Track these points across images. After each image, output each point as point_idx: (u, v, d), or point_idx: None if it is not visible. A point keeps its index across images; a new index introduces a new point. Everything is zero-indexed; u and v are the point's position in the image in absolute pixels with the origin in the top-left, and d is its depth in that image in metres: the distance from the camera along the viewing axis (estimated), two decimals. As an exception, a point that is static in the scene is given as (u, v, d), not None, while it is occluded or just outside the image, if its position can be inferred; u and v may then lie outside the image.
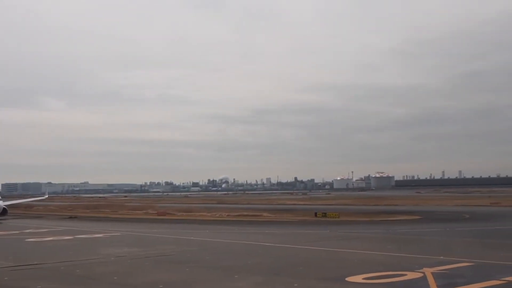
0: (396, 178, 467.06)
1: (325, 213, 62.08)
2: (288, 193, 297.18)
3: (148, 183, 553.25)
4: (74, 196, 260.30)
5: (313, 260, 24.06)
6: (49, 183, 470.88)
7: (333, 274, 19.79)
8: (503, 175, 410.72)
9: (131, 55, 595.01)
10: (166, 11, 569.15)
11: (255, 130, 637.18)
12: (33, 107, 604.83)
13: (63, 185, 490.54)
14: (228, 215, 68.00)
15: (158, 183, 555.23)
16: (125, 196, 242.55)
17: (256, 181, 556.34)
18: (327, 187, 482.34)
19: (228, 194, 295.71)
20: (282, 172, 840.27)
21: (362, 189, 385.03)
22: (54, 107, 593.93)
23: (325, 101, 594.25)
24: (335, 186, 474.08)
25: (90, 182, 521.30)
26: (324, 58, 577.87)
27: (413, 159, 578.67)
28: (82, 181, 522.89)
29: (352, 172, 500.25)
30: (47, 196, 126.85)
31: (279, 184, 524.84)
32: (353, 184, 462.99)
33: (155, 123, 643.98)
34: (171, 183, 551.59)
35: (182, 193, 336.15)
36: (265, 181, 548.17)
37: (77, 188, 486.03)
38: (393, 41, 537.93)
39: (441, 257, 23.64)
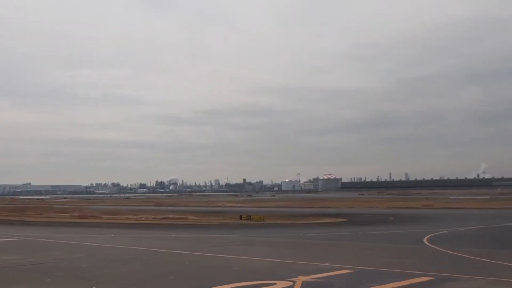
0: (344, 180, 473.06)
1: (250, 216, 61.37)
2: (233, 195, 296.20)
3: (94, 185, 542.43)
4: (12, 198, 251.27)
5: (192, 268, 22.77)
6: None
7: (198, 284, 18.56)
8: (446, 177, 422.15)
9: (78, 53, 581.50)
10: (114, 10, 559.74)
11: (205, 131, 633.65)
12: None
13: (4, 186, 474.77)
14: (153, 218, 66.29)
15: (105, 185, 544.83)
16: (65, 198, 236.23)
17: (205, 182, 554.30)
18: (275, 189, 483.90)
19: (172, 196, 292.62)
20: (231, 174, 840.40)
21: (309, 191, 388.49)
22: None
23: (275, 103, 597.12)
24: (283, 188, 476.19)
25: (33, 183, 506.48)
26: (274, 60, 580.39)
27: (362, 161, 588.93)
28: (25, 182, 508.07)
29: (299, 174, 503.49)
30: None
31: (228, 185, 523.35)
32: (300, 186, 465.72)
33: (102, 123, 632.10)
34: (118, 185, 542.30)
35: (126, 195, 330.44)
36: (213, 183, 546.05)
37: (19, 190, 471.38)
38: (343, 44, 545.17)
39: (327, 264, 22.77)
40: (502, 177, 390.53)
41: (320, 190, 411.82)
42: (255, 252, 27.91)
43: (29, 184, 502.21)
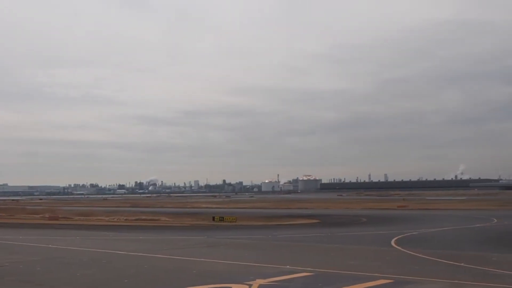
0: (323, 181, 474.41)
1: (223, 217, 60.74)
2: (212, 195, 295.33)
3: (72, 185, 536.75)
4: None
5: (150, 271, 22.20)
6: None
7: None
8: (424, 178, 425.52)
9: (56, 53, 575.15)
10: (93, 10, 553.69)
11: (184, 132, 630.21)
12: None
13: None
14: (125, 220, 65.36)
15: (83, 186, 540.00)
16: (41, 199, 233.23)
17: (185, 183, 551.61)
18: (255, 189, 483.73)
19: (151, 196, 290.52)
20: (211, 175, 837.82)
21: (288, 192, 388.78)
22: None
23: (255, 104, 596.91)
24: (263, 188, 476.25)
25: (10, 184, 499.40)
26: (254, 61, 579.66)
27: (341, 162, 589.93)
28: (1, 183, 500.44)
29: (278, 175, 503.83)
30: None
31: (207, 186, 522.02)
32: (280, 187, 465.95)
33: (81, 123, 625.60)
34: (96, 186, 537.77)
35: (103, 196, 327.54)
36: (193, 184, 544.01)
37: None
38: (323, 46, 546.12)
39: (288, 266, 22.42)
40: (479, 178, 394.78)
41: (299, 191, 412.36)
42: (218, 255, 27.45)
43: (6, 185, 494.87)
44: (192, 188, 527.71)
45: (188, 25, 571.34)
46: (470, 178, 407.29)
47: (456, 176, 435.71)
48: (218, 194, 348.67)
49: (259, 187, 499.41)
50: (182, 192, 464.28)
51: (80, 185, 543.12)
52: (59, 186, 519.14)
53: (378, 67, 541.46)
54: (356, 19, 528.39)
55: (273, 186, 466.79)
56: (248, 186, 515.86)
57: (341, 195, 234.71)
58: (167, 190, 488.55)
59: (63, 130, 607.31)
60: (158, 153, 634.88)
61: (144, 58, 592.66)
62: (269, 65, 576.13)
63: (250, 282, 18.58)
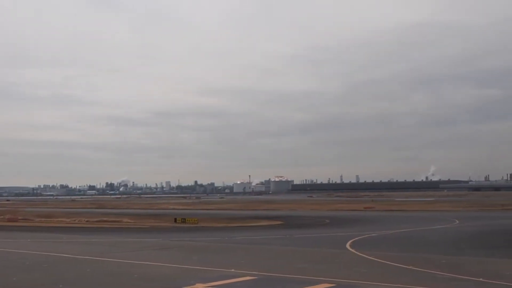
0: (295, 182, 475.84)
1: (185, 219, 60.15)
2: (182, 197, 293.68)
3: (42, 186, 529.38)
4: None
5: (91, 275, 21.54)
6: None
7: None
8: (395, 179, 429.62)
9: (25, 52, 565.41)
10: (63, 9, 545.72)
11: (156, 132, 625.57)
12: None
13: None
14: (87, 221, 64.21)
15: (53, 186, 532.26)
16: (8, 200, 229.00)
17: (156, 184, 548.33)
18: (227, 190, 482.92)
19: (120, 198, 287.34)
20: (182, 176, 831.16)
21: (259, 193, 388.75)
22: None
23: (227, 105, 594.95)
24: (235, 190, 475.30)
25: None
26: (226, 62, 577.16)
27: (314, 163, 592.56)
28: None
29: (250, 176, 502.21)
30: None
31: (179, 187, 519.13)
32: (251, 188, 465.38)
33: (50, 123, 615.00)
34: (66, 186, 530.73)
35: (72, 197, 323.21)
36: (164, 185, 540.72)
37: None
38: (296, 47, 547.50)
39: (233, 270, 21.88)
40: (449, 179, 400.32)
41: (271, 192, 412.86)
42: (166, 258, 26.76)
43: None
44: (164, 189, 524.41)
45: (160, 25, 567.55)
46: (440, 179, 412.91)
47: (427, 178, 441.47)
48: (188, 195, 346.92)
49: (230, 188, 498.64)
50: (154, 193, 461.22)
51: (50, 186, 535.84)
52: (28, 187, 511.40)
53: (351, 68, 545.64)
54: (329, 20, 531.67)
55: (245, 187, 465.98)
56: (220, 187, 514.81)
57: (311, 196, 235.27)
58: (138, 191, 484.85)
59: (33, 130, 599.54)
60: (129, 154, 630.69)
61: (115, 58, 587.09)
62: (241, 66, 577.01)
63: (190, 287, 18.10)
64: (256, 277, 20.23)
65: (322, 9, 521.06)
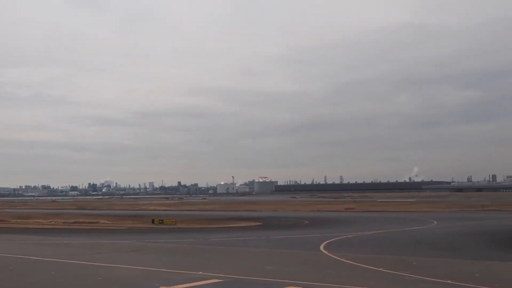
0: (279, 183, 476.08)
1: (163, 220, 59.85)
2: (164, 197, 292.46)
3: (23, 187, 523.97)
4: None
5: (55, 278, 21.05)
6: None
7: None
8: (379, 180, 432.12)
9: (6, 51, 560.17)
10: (45, 9, 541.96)
11: (139, 133, 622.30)
12: None
13: None
14: (63, 223, 63.59)
15: (35, 187, 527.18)
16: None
17: (140, 185, 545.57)
18: (210, 191, 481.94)
19: (102, 198, 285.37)
20: (166, 176, 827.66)
21: (243, 194, 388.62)
22: None
23: (211, 106, 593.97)
24: (218, 190, 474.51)
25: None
26: (211, 62, 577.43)
27: (298, 164, 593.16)
28: None
29: (233, 176, 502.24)
30: None
31: (162, 188, 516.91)
32: (235, 189, 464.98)
33: (32, 124, 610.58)
34: (48, 187, 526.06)
35: (53, 198, 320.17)
36: (148, 186, 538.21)
37: None
38: (281, 47, 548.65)
39: (200, 272, 21.52)
40: (431, 180, 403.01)
41: (254, 193, 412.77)
42: (135, 260, 26.29)
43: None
44: (147, 190, 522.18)
45: (144, 25, 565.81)
46: (423, 180, 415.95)
47: (410, 178, 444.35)
48: (171, 196, 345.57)
49: (214, 189, 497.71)
50: (137, 194, 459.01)
51: (32, 186, 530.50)
52: (9, 188, 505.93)
53: (336, 69, 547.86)
54: (314, 21, 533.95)
55: (228, 188, 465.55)
56: (203, 188, 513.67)
57: (294, 197, 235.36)
58: (121, 192, 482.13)
59: (15, 130, 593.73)
60: (112, 155, 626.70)
61: (98, 58, 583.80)
62: (226, 67, 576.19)
63: (153, 290, 17.78)
64: (222, 280, 19.88)
65: (308, 11, 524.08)
